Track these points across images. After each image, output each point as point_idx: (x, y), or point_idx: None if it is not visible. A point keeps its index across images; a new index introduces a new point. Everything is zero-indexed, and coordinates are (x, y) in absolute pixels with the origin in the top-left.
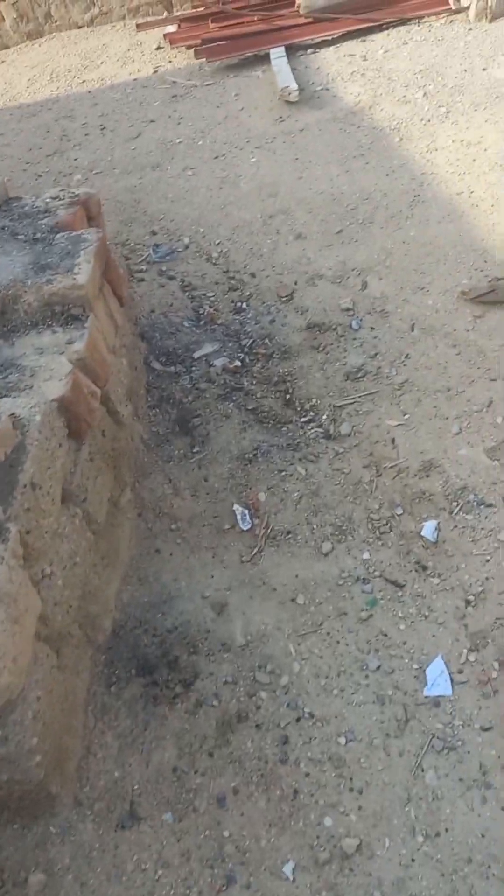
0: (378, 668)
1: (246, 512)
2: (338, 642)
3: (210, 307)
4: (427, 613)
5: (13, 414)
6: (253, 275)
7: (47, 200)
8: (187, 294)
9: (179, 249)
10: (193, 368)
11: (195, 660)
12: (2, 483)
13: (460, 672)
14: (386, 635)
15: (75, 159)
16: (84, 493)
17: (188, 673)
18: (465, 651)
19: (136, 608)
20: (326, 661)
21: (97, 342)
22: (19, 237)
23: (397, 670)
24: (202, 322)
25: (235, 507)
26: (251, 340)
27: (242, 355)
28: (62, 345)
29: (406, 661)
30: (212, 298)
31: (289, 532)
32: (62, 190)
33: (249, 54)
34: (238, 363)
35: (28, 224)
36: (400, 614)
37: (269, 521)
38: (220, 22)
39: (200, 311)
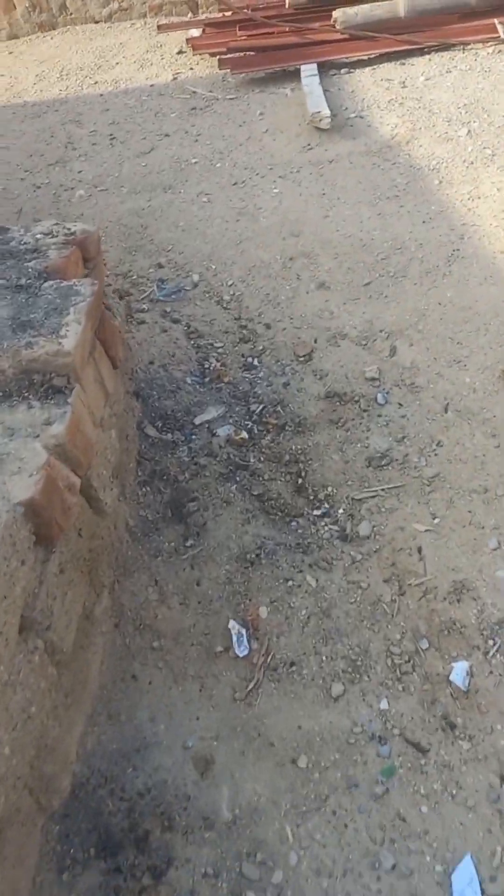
0: (393, 867)
1: (243, 632)
2: (346, 826)
3: (217, 361)
4: (454, 792)
5: None
6: (268, 326)
7: (38, 236)
8: (192, 343)
9: (187, 288)
10: (193, 437)
11: (170, 838)
12: None
13: (492, 880)
14: (404, 820)
15: (79, 172)
16: (48, 618)
17: (160, 857)
18: (499, 849)
19: (103, 759)
20: (331, 852)
21: (81, 421)
22: (0, 282)
23: (416, 872)
24: (207, 379)
25: (231, 623)
26: (261, 406)
27: (250, 424)
28: (38, 425)
29: (428, 858)
30: (220, 350)
31: (293, 664)
32: (56, 224)
33: (278, 69)
34: (245, 434)
35: (12, 266)
36: (422, 791)
37: (270, 647)
38: (249, 30)
39: (206, 366)
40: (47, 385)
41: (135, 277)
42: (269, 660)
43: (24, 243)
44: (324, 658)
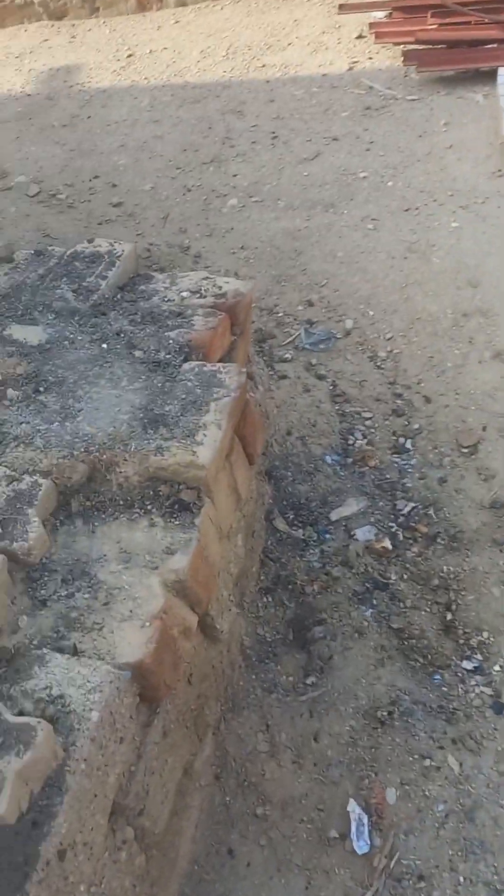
0: None
1: (365, 819)
2: None
3: (363, 438)
4: None
5: (59, 703)
6: (427, 399)
7: (184, 294)
8: (337, 408)
9: (338, 335)
10: (328, 536)
11: None
12: (9, 856)
13: None
14: None
15: (234, 175)
16: (143, 800)
17: None
18: None
19: None
20: None
21: (208, 549)
22: (136, 353)
23: None
24: (350, 460)
25: (351, 804)
26: (410, 506)
27: (395, 527)
28: (159, 552)
29: None
30: (368, 423)
31: (422, 878)
32: (206, 279)
33: (471, 69)
34: (388, 543)
35: (152, 335)
36: None
37: (395, 846)
38: (441, 18)
39: (350, 442)
40: (174, 499)
41: (281, 315)
42: (392, 864)
43: (168, 301)
44: (461, 879)
